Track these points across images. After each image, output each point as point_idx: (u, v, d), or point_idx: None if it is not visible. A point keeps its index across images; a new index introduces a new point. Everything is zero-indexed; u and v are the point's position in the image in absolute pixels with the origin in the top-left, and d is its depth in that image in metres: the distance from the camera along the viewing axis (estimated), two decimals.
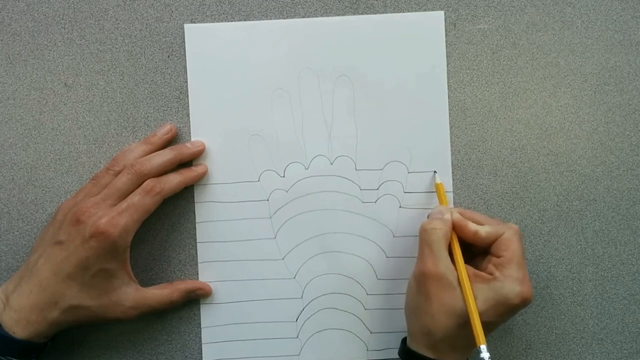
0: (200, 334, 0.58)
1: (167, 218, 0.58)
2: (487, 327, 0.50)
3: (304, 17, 0.58)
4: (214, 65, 0.58)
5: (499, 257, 0.52)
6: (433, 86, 0.58)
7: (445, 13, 0.58)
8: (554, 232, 0.59)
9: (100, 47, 0.58)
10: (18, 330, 0.50)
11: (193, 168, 0.57)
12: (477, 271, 0.52)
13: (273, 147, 0.58)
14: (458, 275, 0.51)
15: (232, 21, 0.58)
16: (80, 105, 0.58)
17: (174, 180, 0.55)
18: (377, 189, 0.58)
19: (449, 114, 0.58)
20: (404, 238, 0.58)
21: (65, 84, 0.58)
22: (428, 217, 0.55)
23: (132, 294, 0.54)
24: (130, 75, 0.58)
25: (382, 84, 0.58)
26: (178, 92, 0.58)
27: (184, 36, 0.58)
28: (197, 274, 0.58)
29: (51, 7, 0.58)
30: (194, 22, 0.58)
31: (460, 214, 0.54)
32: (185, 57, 0.58)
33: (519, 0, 0.59)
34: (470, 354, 0.52)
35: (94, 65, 0.58)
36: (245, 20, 0.58)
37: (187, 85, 0.58)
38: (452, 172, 0.58)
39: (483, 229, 0.53)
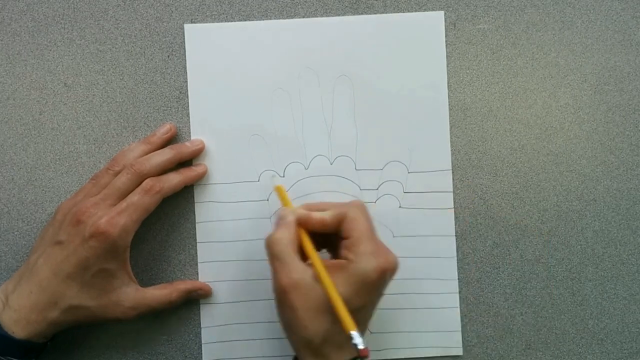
0: (200, 334, 0.58)
1: (167, 218, 0.58)
2: (360, 313, 0.49)
3: (304, 17, 0.58)
4: (214, 65, 0.58)
5: (348, 237, 0.50)
6: (433, 86, 0.58)
7: (445, 13, 0.58)
8: (554, 232, 0.59)
9: (100, 47, 0.58)
10: (18, 330, 0.50)
11: (193, 168, 0.57)
12: (332, 261, 0.51)
13: (273, 147, 0.58)
14: (314, 273, 0.49)
15: (232, 21, 0.58)
16: (80, 105, 0.58)
17: (174, 179, 0.55)
18: (377, 189, 0.58)
19: (449, 114, 0.58)
20: (404, 238, 0.58)
21: (65, 84, 0.58)
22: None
23: (132, 294, 0.54)
24: (130, 75, 0.58)
25: (382, 84, 0.58)
26: (178, 92, 0.58)
27: (184, 36, 0.58)
28: (197, 274, 0.58)
29: (51, 7, 0.58)
30: (194, 22, 0.58)
31: (306, 207, 0.53)
32: (185, 57, 0.58)
33: (519, 0, 0.59)
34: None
35: (94, 65, 0.58)
36: (245, 20, 0.58)
37: (187, 85, 0.58)
38: (452, 172, 0.58)
39: (327, 214, 0.51)
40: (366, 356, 0.47)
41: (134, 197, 0.53)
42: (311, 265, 0.50)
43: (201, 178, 0.57)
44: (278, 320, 0.52)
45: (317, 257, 0.50)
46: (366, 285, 0.49)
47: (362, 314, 0.50)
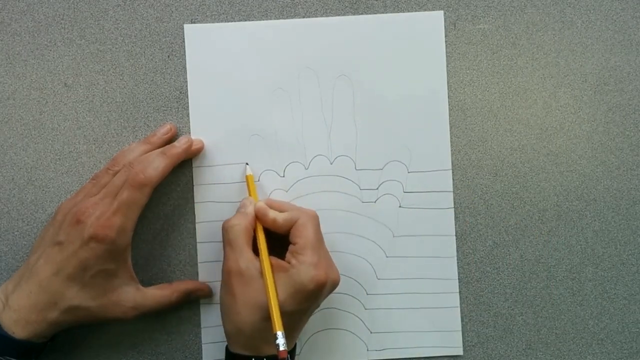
0: (200, 334, 0.58)
1: (167, 218, 0.58)
2: (291, 317, 0.51)
3: (304, 17, 0.58)
4: (214, 65, 0.58)
5: (295, 244, 0.52)
6: (433, 86, 0.58)
7: (445, 13, 0.58)
8: (554, 232, 0.59)
9: (100, 47, 0.58)
10: (17, 330, 0.50)
11: (175, 145, 0.55)
12: (279, 261, 0.52)
13: (273, 147, 0.58)
14: (261, 268, 0.51)
15: (232, 21, 0.58)
16: (80, 105, 0.58)
17: (160, 165, 0.53)
18: (377, 188, 0.58)
19: (449, 114, 0.58)
20: (404, 238, 0.58)
21: (65, 84, 0.58)
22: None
23: (132, 294, 0.54)
24: (130, 75, 0.58)
25: (382, 84, 0.58)
26: (178, 92, 0.58)
27: (184, 36, 0.58)
28: (197, 274, 0.58)
29: (51, 7, 0.58)
30: (194, 22, 0.58)
31: (268, 204, 0.55)
32: (185, 57, 0.58)
33: (519, 0, 0.59)
34: (292, 344, 0.53)
35: (94, 65, 0.58)
36: (245, 20, 0.58)
37: (187, 85, 0.58)
38: (452, 172, 0.58)
39: (280, 216, 0.53)
40: (284, 358, 0.48)
41: (124, 195, 0.52)
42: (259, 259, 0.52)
43: (188, 153, 0.56)
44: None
45: (266, 253, 0.52)
46: (302, 293, 0.51)
47: (294, 319, 0.51)
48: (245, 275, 0.51)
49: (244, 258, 0.51)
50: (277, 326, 0.49)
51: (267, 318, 0.50)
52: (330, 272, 0.52)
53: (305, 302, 0.51)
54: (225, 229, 0.53)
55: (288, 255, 0.52)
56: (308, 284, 0.50)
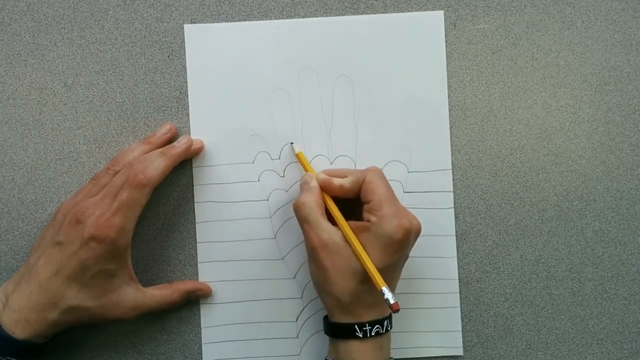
0: (200, 334, 0.58)
1: (167, 218, 0.58)
2: (385, 273, 0.51)
3: (304, 17, 0.58)
4: (214, 65, 0.58)
5: (369, 202, 0.52)
6: (433, 86, 0.58)
7: (445, 13, 0.58)
8: (554, 232, 0.59)
9: (100, 47, 0.58)
10: (18, 330, 0.50)
11: (175, 145, 0.55)
12: (358, 223, 0.52)
13: (273, 147, 0.58)
14: (343, 235, 0.52)
15: (232, 21, 0.58)
16: (80, 105, 0.58)
17: (159, 165, 0.53)
18: None
19: (449, 114, 0.58)
20: None
21: (65, 84, 0.58)
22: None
23: (132, 294, 0.54)
24: (130, 75, 0.58)
25: (382, 84, 0.58)
26: (178, 92, 0.58)
27: (184, 36, 0.58)
28: (197, 274, 0.58)
29: (51, 7, 0.58)
30: (194, 22, 0.58)
31: (327, 173, 0.55)
32: (185, 57, 0.58)
33: (519, 0, 0.59)
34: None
35: (94, 65, 0.58)
36: (245, 20, 0.58)
37: (187, 85, 0.58)
38: (452, 172, 0.58)
39: (346, 181, 0.54)
40: (397, 310, 0.50)
41: (124, 195, 0.52)
42: (338, 227, 0.52)
43: (188, 153, 0.56)
44: (310, 280, 0.55)
45: (343, 219, 0.52)
46: (391, 245, 0.51)
47: (388, 274, 0.52)
48: (331, 245, 0.51)
49: (324, 230, 0.52)
50: (379, 283, 0.50)
51: (363, 281, 0.51)
52: (412, 218, 0.52)
53: (395, 254, 0.51)
54: (297, 208, 0.53)
55: (366, 214, 0.52)
56: (395, 234, 0.51)
